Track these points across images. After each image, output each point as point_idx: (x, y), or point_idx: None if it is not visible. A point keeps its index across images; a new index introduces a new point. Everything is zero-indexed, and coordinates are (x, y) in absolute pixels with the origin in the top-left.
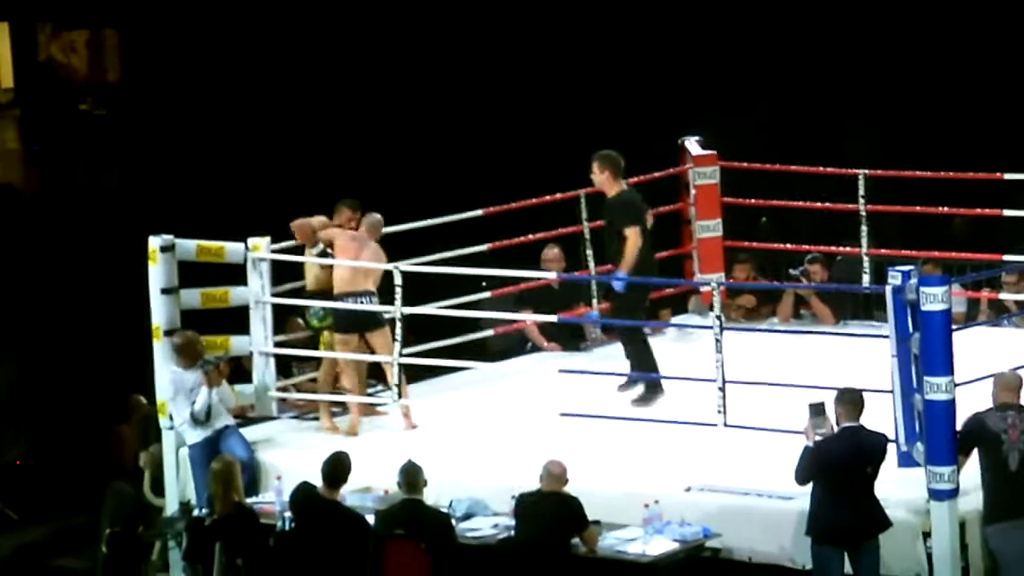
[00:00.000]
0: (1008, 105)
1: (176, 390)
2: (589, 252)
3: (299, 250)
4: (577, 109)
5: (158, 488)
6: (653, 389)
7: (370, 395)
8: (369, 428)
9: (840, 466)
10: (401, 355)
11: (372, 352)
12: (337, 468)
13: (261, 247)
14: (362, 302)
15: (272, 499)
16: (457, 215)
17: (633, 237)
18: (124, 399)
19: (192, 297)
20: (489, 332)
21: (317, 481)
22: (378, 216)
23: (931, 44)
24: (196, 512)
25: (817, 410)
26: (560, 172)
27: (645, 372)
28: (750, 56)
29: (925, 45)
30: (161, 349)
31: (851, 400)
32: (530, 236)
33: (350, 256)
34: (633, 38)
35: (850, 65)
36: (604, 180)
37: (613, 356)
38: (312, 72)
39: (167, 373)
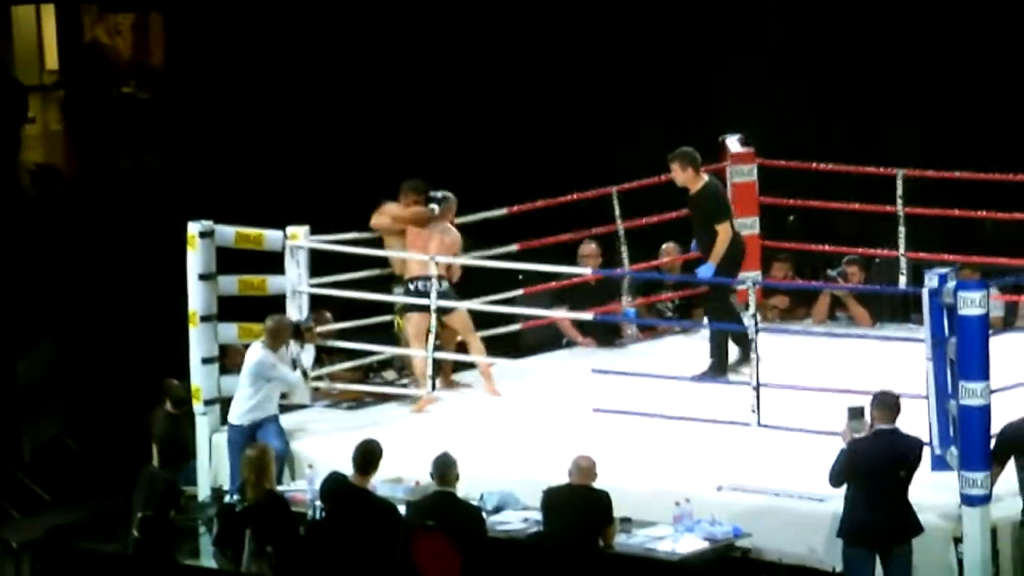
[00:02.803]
0: None
1: (270, 366)
2: (624, 249)
3: (336, 241)
4: (615, 107)
5: (165, 460)
6: (718, 370)
7: (402, 386)
8: (402, 419)
9: (874, 469)
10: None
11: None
12: (368, 455)
13: (299, 236)
14: (423, 286)
15: (303, 487)
16: (484, 213)
17: (724, 232)
18: (159, 383)
19: (229, 284)
20: (520, 326)
21: (348, 470)
22: (451, 197)
23: (971, 44)
24: (227, 498)
25: (856, 413)
26: (592, 170)
27: (717, 357)
28: (790, 52)
29: (966, 45)
30: (197, 334)
31: (886, 403)
32: (561, 236)
33: (417, 241)
34: (671, 34)
35: (890, 64)
36: (688, 177)
37: (648, 353)
38: (354, 62)
39: (257, 355)
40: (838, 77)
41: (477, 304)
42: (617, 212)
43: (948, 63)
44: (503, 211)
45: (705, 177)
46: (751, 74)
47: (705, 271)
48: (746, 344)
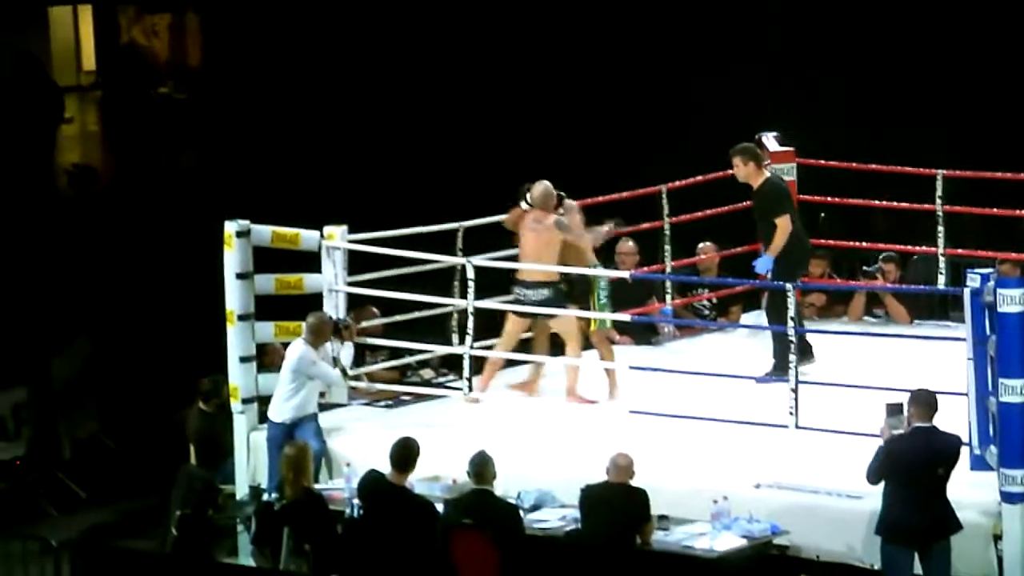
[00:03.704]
0: None
1: (310, 363)
2: (667, 248)
3: (373, 241)
4: (651, 106)
5: (203, 459)
6: (782, 369)
7: (441, 384)
8: (440, 417)
9: (911, 466)
10: (472, 347)
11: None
12: (405, 453)
13: (336, 235)
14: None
15: (341, 486)
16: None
17: (783, 226)
18: (196, 382)
19: (266, 283)
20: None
21: (386, 469)
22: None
23: (1012, 45)
24: (266, 496)
25: (895, 410)
26: (633, 168)
27: (782, 354)
28: (829, 52)
29: (1006, 45)
30: (235, 333)
31: (925, 401)
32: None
33: (526, 245)
34: (712, 34)
35: (929, 64)
36: (750, 172)
37: (684, 351)
38: (395, 60)
39: (298, 350)
40: (873, 77)
41: (497, 303)
42: (666, 211)
43: (983, 63)
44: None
45: (767, 172)
46: (787, 74)
47: (762, 264)
48: (804, 344)
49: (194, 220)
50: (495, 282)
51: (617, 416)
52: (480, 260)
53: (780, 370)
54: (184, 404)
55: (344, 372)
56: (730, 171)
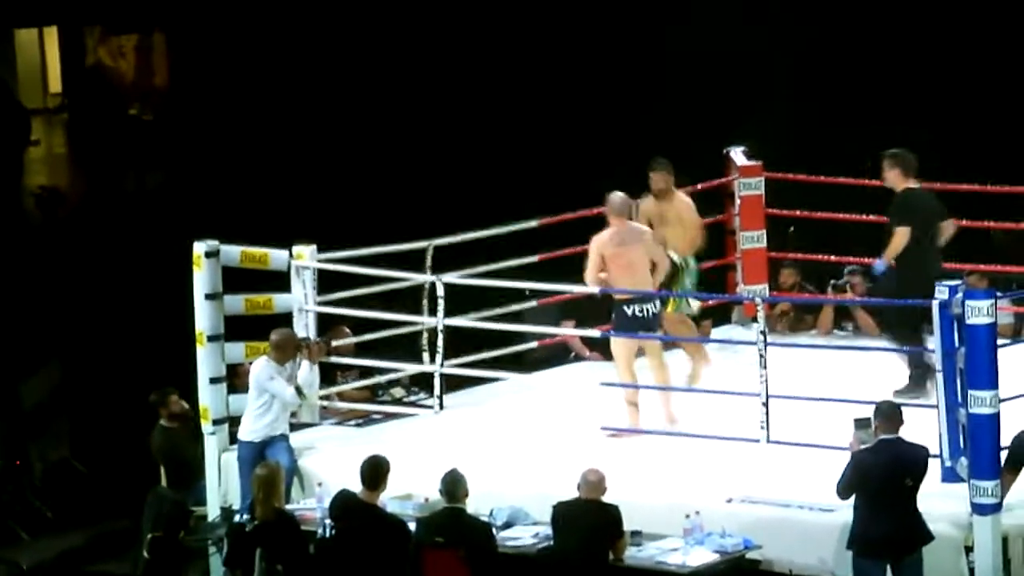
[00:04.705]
0: None
1: (268, 378)
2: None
3: (342, 260)
4: (623, 121)
5: (172, 479)
6: (921, 379)
7: (412, 403)
8: (411, 436)
9: (878, 479)
10: (442, 365)
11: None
12: (375, 470)
13: (305, 255)
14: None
15: (313, 506)
16: (510, 226)
17: (899, 236)
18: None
19: (236, 303)
20: (533, 344)
21: (357, 487)
22: (618, 199)
23: (976, 56)
24: (237, 517)
25: (863, 423)
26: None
27: (917, 365)
28: (795, 66)
29: (970, 57)
30: (204, 354)
31: (888, 413)
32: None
33: (636, 259)
34: (681, 48)
35: (895, 75)
36: (892, 177)
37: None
38: (361, 79)
39: (258, 365)
40: (841, 88)
41: (466, 320)
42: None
43: (953, 73)
44: (534, 223)
45: (911, 183)
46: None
47: (877, 267)
48: (923, 367)
49: (162, 241)
50: (465, 300)
51: (589, 431)
52: (450, 278)
53: (918, 385)
54: (153, 426)
55: (299, 391)
56: (701, 185)
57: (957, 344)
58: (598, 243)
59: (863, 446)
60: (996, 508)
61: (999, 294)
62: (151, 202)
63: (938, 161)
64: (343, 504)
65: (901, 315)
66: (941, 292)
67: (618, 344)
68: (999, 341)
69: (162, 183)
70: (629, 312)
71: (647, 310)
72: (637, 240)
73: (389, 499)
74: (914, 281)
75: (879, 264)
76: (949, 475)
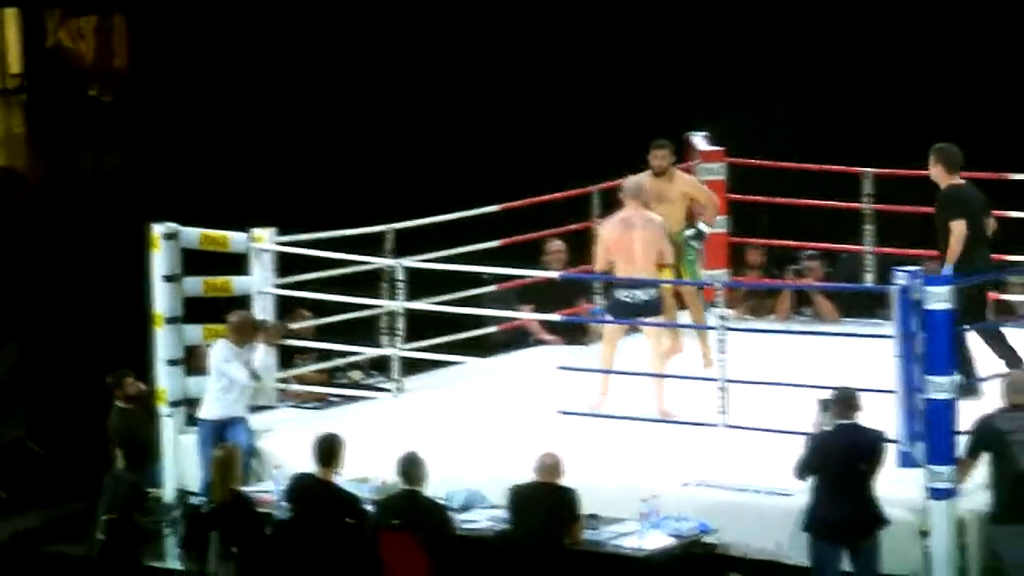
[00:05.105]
0: (1015, 105)
1: (223, 359)
2: (597, 248)
3: (302, 243)
4: (587, 105)
5: (129, 460)
6: (971, 389)
7: (370, 386)
8: (369, 418)
9: (834, 462)
10: (401, 349)
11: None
12: (328, 447)
13: (264, 238)
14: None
15: (270, 488)
16: (471, 211)
17: (957, 229)
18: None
19: (194, 285)
20: (493, 328)
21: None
22: (632, 182)
23: (939, 43)
24: (193, 499)
25: (827, 405)
26: (571, 169)
27: (966, 368)
28: (759, 51)
29: (933, 44)
30: (162, 336)
31: (845, 398)
32: (542, 232)
33: (633, 243)
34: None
35: (858, 62)
36: (938, 173)
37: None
38: (321, 61)
39: (218, 349)
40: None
41: (428, 304)
42: (597, 212)
43: (913, 61)
44: (496, 207)
45: (957, 179)
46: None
47: (947, 271)
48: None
49: (121, 223)
50: (426, 284)
51: (547, 415)
52: (411, 262)
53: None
54: (110, 408)
55: (255, 375)
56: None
57: (915, 329)
58: (605, 226)
59: (826, 427)
60: (952, 493)
61: (957, 279)
62: (110, 184)
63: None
64: (298, 484)
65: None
66: (900, 277)
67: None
68: None
69: (121, 165)
70: (618, 296)
71: (635, 296)
72: (642, 226)
73: (346, 481)
74: (972, 269)
75: (948, 269)
76: (906, 460)
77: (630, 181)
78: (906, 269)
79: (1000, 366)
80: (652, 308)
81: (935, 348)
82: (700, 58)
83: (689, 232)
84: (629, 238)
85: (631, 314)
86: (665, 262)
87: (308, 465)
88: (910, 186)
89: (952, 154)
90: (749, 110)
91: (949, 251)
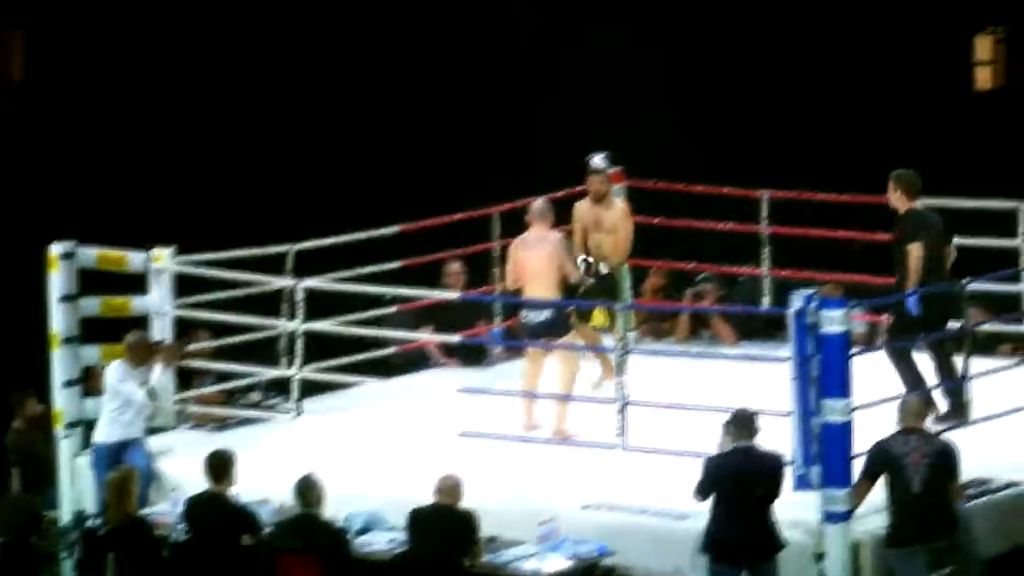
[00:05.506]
0: (909, 130)
1: (119, 379)
2: (496, 270)
3: (201, 263)
4: (487, 128)
5: (27, 482)
6: (957, 409)
7: (269, 407)
8: (267, 440)
9: (732, 485)
10: (301, 370)
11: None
12: (219, 462)
13: (163, 258)
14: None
15: (167, 510)
16: (372, 231)
17: (914, 251)
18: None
19: (92, 305)
20: (392, 349)
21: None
22: (539, 204)
23: (837, 67)
24: (90, 522)
25: (728, 428)
26: (471, 191)
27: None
28: (657, 73)
29: (831, 67)
30: (59, 357)
31: (743, 419)
32: (442, 254)
33: (529, 262)
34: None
35: (754, 84)
36: (897, 199)
37: (512, 372)
38: (219, 80)
39: (113, 369)
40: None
41: (330, 325)
42: (497, 233)
43: (804, 85)
44: (396, 228)
45: (915, 205)
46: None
47: (911, 297)
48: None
49: (19, 241)
50: (327, 305)
51: (447, 437)
52: (310, 282)
53: (956, 415)
54: (5, 429)
55: (151, 394)
56: (562, 192)
57: (811, 352)
58: (512, 246)
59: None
60: (847, 516)
61: (853, 303)
62: (6, 201)
63: (797, 171)
64: (194, 502)
65: (903, 329)
66: (796, 300)
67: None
68: (852, 350)
69: (19, 182)
70: (521, 317)
71: (530, 318)
72: (538, 246)
73: (244, 503)
74: (926, 303)
75: (911, 293)
76: (801, 483)
77: (537, 202)
78: (802, 292)
79: (899, 388)
80: (554, 329)
81: (830, 371)
82: (598, 81)
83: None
84: (527, 259)
85: (534, 335)
86: (572, 280)
87: (205, 487)
88: (807, 209)
89: (911, 179)
90: (647, 133)
91: (909, 274)
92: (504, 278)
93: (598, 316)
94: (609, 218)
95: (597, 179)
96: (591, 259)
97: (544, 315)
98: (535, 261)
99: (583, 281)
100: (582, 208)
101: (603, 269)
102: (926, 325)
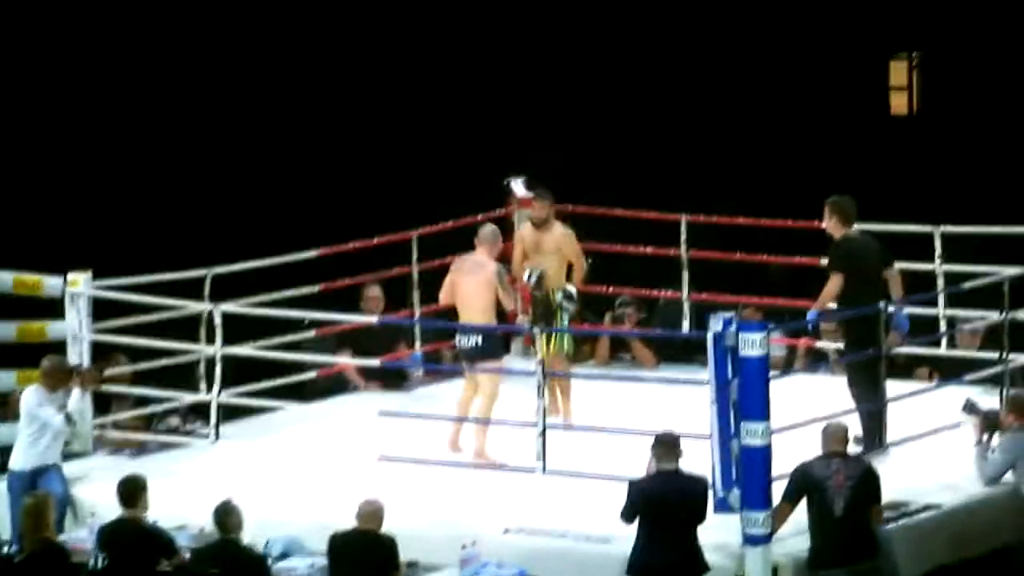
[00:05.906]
0: (827, 155)
1: (36, 405)
2: (416, 294)
3: (118, 287)
4: (404, 153)
5: None
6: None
7: (188, 432)
8: (186, 465)
9: (656, 508)
10: (220, 394)
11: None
12: (130, 487)
13: (80, 282)
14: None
15: (85, 536)
16: (290, 255)
17: (831, 283)
18: None
19: (7, 330)
20: (313, 374)
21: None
22: (487, 229)
23: (755, 92)
24: (6, 549)
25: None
26: (389, 215)
27: (870, 430)
28: (576, 97)
29: (750, 92)
30: None
31: (666, 443)
32: (361, 278)
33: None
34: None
35: (673, 108)
36: (832, 226)
37: (433, 396)
38: (135, 102)
39: (29, 394)
40: (622, 121)
41: (249, 349)
42: (415, 256)
43: (726, 108)
44: (314, 252)
45: (849, 231)
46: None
47: (810, 316)
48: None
49: None
50: (246, 329)
51: (367, 461)
52: (228, 306)
53: (874, 444)
54: None
55: (69, 419)
56: (480, 216)
57: (731, 376)
58: (452, 264)
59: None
60: (767, 539)
61: (772, 326)
62: None
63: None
64: (109, 529)
65: (863, 370)
66: (715, 324)
67: None
68: (771, 373)
69: None
70: (455, 342)
71: (463, 343)
72: (475, 272)
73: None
74: (859, 329)
75: (812, 313)
76: (721, 505)
77: (487, 228)
78: (721, 316)
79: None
80: (483, 354)
81: (750, 394)
82: (517, 105)
83: (559, 294)
84: (462, 283)
85: (466, 359)
86: (507, 308)
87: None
88: (726, 233)
89: (847, 206)
90: (565, 156)
91: (820, 298)
92: (426, 301)
93: (568, 344)
94: (550, 242)
95: (536, 204)
96: (540, 271)
97: (474, 340)
98: (470, 286)
99: (564, 307)
100: (524, 231)
101: (555, 296)
102: (863, 347)
